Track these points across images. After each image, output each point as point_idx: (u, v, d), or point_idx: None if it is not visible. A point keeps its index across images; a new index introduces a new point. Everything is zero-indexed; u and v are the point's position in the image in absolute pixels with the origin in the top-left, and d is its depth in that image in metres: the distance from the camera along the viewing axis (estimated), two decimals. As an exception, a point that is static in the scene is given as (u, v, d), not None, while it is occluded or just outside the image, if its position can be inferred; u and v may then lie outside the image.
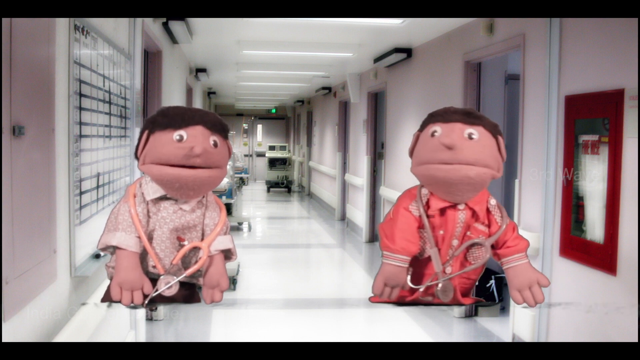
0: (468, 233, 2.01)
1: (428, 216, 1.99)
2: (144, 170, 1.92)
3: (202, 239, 1.99)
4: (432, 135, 1.93)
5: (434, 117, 1.98)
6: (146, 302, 1.91)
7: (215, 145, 1.90)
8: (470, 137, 1.89)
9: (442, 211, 1.99)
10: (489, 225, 2.04)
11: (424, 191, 2.02)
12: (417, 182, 2.10)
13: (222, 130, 1.95)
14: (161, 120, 1.89)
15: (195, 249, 1.98)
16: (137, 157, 1.95)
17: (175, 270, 1.95)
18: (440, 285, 2.00)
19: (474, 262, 2.03)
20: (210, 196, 2.03)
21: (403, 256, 1.97)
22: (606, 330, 3.35)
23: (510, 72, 5.61)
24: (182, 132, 1.85)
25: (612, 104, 3.27)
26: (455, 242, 2.01)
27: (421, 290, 2.02)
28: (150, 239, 1.93)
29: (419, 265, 2.04)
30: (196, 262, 1.97)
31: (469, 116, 1.93)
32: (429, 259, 2.02)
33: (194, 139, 1.85)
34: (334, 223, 11.20)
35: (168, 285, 1.92)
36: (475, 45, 5.10)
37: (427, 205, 2.00)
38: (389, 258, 1.98)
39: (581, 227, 3.59)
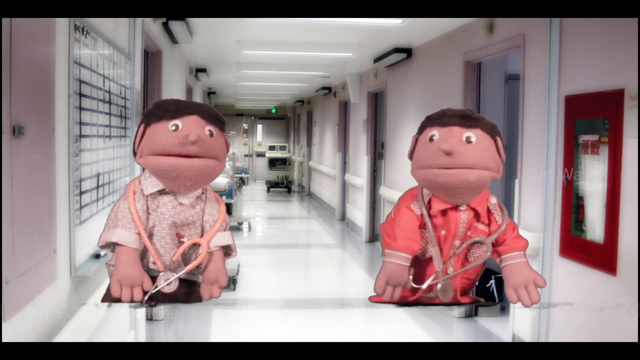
0: (469, 233, 2.02)
1: (430, 216, 2.00)
2: (142, 163, 1.93)
3: (202, 236, 1.99)
4: (431, 140, 1.93)
5: (431, 121, 1.98)
6: (145, 298, 1.91)
7: (211, 134, 1.91)
8: (468, 140, 1.89)
9: (444, 212, 2.00)
10: (488, 224, 2.04)
11: (426, 191, 2.03)
12: (418, 183, 2.11)
13: (217, 121, 1.96)
14: (156, 111, 1.91)
15: (195, 246, 1.98)
16: (134, 152, 1.96)
17: (175, 266, 1.96)
18: (440, 284, 2.00)
19: (474, 262, 2.04)
20: (210, 192, 2.04)
21: (405, 254, 1.97)
22: (606, 330, 3.35)
23: (510, 72, 5.60)
24: (178, 122, 1.87)
25: (612, 104, 3.27)
26: (457, 243, 2.02)
27: (423, 287, 2.01)
28: (150, 235, 1.94)
29: (420, 265, 2.04)
30: (196, 258, 1.97)
31: (467, 119, 1.93)
32: (430, 259, 2.02)
33: (188, 127, 1.86)
34: (334, 223, 11.20)
35: (167, 282, 1.93)
36: (475, 45, 5.10)
37: (429, 206, 2.01)
38: (391, 256, 1.97)
39: (581, 227, 3.59)
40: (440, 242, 2.01)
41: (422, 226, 2.01)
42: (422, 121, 2.03)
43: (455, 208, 1.99)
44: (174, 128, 1.86)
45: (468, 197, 1.97)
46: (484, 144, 1.92)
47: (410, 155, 2.05)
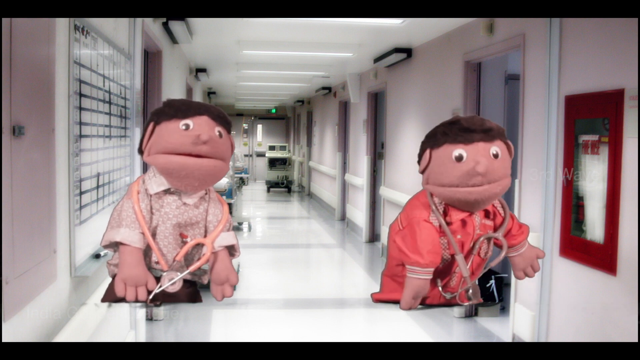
0: (478, 231, 2.07)
1: (447, 223, 2.03)
2: (150, 161, 1.94)
3: (205, 236, 2.00)
4: (458, 160, 1.93)
5: (450, 137, 1.96)
6: (150, 298, 1.92)
7: (220, 135, 1.93)
8: (495, 155, 1.94)
9: (463, 221, 2.05)
10: (493, 218, 2.11)
11: (437, 200, 2.05)
12: (418, 184, 2.12)
13: (225, 123, 1.99)
14: (167, 110, 1.92)
15: (198, 246, 1.99)
16: (141, 151, 1.96)
17: (179, 266, 1.96)
18: (471, 289, 2.08)
19: (484, 256, 2.11)
20: (213, 193, 2.06)
21: (431, 269, 2.02)
22: (606, 330, 3.35)
23: (510, 72, 5.60)
24: (189, 121, 1.89)
25: (612, 104, 3.27)
26: (471, 244, 2.08)
27: (452, 298, 2.10)
28: (153, 235, 1.94)
29: (436, 270, 2.08)
30: (199, 258, 1.98)
31: (488, 133, 1.96)
32: (448, 263, 2.08)
33: (200, 127, 1.88)
34: (334, 223, 11.20)
35: (172, 282, 1.93)
36: (475, 45, 5.10)
37: (445, 214, 2.05)
38: (417, 273, 2.01)
39: (581, 227, 3.59)
40: (458, 246, 2.05)
41: (441, 235, 2.05)
42: (434, 133, 2.02)
43: (471, 214, 2.05)
44: (184, 127, 1.88)
45: (489, 205, 2.06)
46: (505, 154, 1.99)
47: (423, 170, 2.05)
